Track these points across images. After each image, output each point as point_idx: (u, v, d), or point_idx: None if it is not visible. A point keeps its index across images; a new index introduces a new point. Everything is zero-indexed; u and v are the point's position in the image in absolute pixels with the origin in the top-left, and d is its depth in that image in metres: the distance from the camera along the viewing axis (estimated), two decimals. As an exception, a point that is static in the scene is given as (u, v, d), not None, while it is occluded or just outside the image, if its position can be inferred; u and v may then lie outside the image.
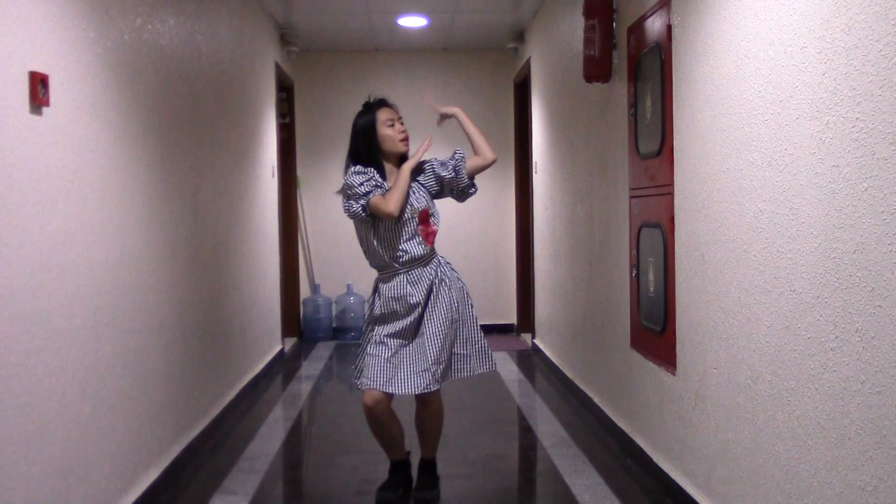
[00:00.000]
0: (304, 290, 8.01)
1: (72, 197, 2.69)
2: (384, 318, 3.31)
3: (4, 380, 2.24)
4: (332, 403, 5.49)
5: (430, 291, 3.30)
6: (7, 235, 2.27)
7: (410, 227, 3.28)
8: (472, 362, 3.39)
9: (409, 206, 3.27)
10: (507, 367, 6.35)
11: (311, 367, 6.57)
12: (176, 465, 3.67)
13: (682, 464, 3.20)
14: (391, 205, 3.17)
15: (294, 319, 7.73)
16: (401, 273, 3.29)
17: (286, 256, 7.27)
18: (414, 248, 3.29)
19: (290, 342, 7.44)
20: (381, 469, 3.77)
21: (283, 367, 6.53)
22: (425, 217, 3.32)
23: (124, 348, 3.13)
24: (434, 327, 3.27)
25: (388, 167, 3.36)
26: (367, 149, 3.32)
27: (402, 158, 3.39)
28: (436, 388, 3.27)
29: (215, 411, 4.49)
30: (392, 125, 3.33)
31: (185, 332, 3.95)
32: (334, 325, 7.87)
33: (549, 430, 4.47)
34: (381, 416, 3.29)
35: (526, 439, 4.50)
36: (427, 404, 3.45)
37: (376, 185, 3.23)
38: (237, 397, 5.01)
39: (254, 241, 5.70)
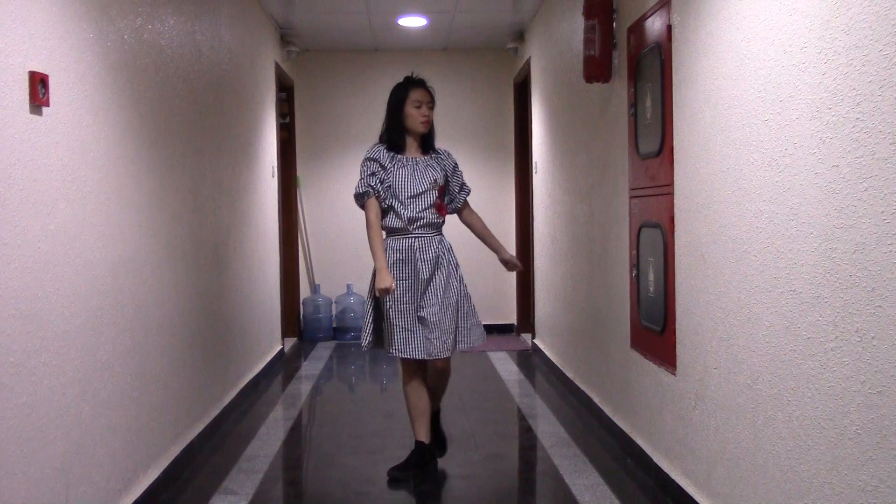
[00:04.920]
0: (304, 290, 8.01)
1: (72, 197, 2.69)
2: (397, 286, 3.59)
3: (4, 380, 2.24)
4: (332, 403, 5.49)
5: (436, 262, 3.62)
6: (7, 235, 2.27)
7: (430, 198, 3.64)
8: (467, 335, 3.70)
9: (433, 181, 3.65)
10: (507, 367, 6.35)
11: (311, 367, 6.57)
12: (176, 465, 3.67)
13: (682, 464, 3.20)
14: (370, 217, 3.61)
15: (294, 319, 7.73)
16: (412, 237, 3.62)
17: (286, 256, 7.26)
18: (429, 215, 3.64)
19: (290, 342, 7.44)
20: (381, 469, 3.77)
21: (283, 367, 6.53)
22: (441, 192, 3.70)
23: (124, 348, 3.13)
24: (434, 302, 3.59)
25: (408, 140, 3.70)
26: (393, 121, 3.69)
27: (422, 137, 3.71)
28: (448, 354, 3.63)
29: (215, 411, 4.49)
30: (419, 107, 3.66)
31: (185, 332, 3.95)
32: (334, 325, 7.87)
33: (549, 430, 4.47)
34: (419, 381, 3.67)
35: (526, 439, 4.50)
36: (439, 367, 3.73)
37: (375, 177, 3.61)
38: (237, 397, 5.01)
39: (254, 240, 5.70)
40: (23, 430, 2.34)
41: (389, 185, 3.62)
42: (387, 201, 3.63)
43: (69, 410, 2.64)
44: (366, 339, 3.69)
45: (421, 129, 3.67)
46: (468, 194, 3.85)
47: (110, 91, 3.05)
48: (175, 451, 3.72)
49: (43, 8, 2.51)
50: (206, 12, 4.50)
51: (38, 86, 2.43)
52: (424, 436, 3.70)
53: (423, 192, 3.62)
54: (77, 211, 2.72)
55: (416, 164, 3.67)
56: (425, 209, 3.62)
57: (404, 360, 3.64)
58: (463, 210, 3.88)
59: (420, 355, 3.57)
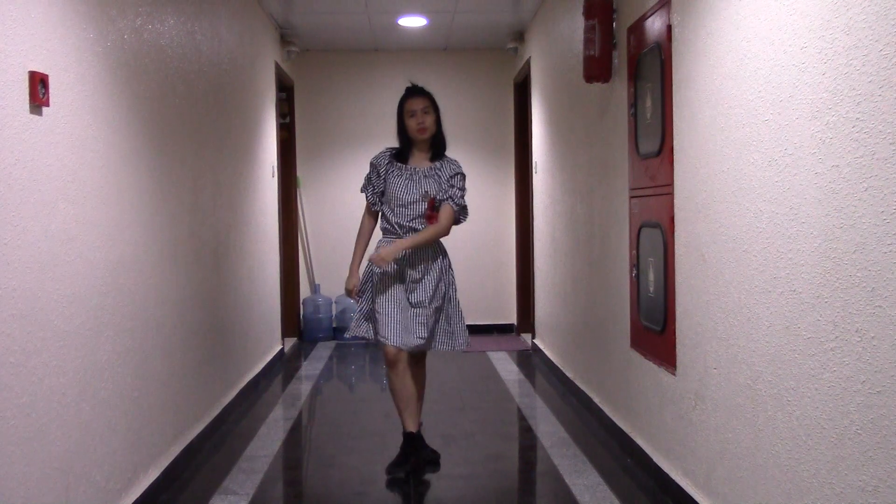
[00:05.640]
0: (304, 290, 8.01)
1: (72, 197, 2.69)
2: (381, 282, 3.70)
3: (4, 380, 2.24)
4: (332, 403, 5.49)
5: (425, 269, 3.72)
6: (7, 235, 2.27)
7: (418, 208, 3.71)
8: (446, 338, 3.83)
9: (424, 192, 3.70)
10: (507, 367, 6.35)
11: (311, 367, 6.57)
12: (176, 465, 3.67)
13: (682, 464, 3.20)
14: (362, 219, 3.91)
15: (294, 319, 7.73)
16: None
17: (286, 256, 7.26)
18: (418, 225, 3.71)
19: (290, 342, 7.44)
20: (380, 469, 3.77)
21: (283, 367, 6.53)
22: (433, 204, 3.71)
23: (124, 348, 3.13)
24: (421, 300, 3.69)
25: (414, 149, 3.79)
26: (399, 133, 3.81)
27: (430, 142, 3.77)
28: (427, 347, 3.76)
29: (215, 411, 4.49)
30: (413, 116, 3.72)
31: (185, 332, 3.95)
32: (334, 325, 7.87)
33: (549, 430, 4.47)
34: (401, 368, 3.69)
35: (526, 439, 4.50)
36: (418, 361, 3.87)
37: (370, 183, 3.82)
38: (237, 397, 5.01)
39: (254, 240, 5.70)
40: (23, 430, 2.34)
41: (383, 192, 3.78)
42: (376, 206, 3.83)
43: (69, 410, 2.64)
44: (353, 327, 3.82)
45: (417, 136, 3.74)
46: (448, 203, 3.69)
47: (110, 91, 3.05)
48: (175, 451, 3.72)
49: (43, 8, 2.51)
50: (206, 12, 4.50)
51: (38, 86, 2.43)
52: (412, 425, 3.77)
53: (412, 202, 3.71)
54: (77, 211, 2.72)
55: (413, 174, 3.74)
56: (413, 218, 3.72)
57: (385, 348, 3.68)
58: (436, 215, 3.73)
59: (395, 341, 3.62)
